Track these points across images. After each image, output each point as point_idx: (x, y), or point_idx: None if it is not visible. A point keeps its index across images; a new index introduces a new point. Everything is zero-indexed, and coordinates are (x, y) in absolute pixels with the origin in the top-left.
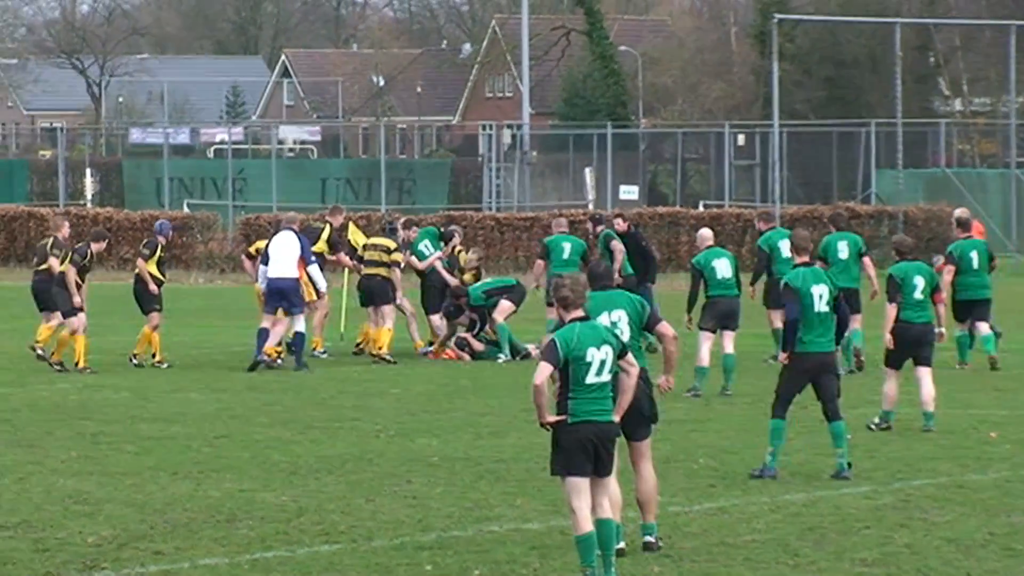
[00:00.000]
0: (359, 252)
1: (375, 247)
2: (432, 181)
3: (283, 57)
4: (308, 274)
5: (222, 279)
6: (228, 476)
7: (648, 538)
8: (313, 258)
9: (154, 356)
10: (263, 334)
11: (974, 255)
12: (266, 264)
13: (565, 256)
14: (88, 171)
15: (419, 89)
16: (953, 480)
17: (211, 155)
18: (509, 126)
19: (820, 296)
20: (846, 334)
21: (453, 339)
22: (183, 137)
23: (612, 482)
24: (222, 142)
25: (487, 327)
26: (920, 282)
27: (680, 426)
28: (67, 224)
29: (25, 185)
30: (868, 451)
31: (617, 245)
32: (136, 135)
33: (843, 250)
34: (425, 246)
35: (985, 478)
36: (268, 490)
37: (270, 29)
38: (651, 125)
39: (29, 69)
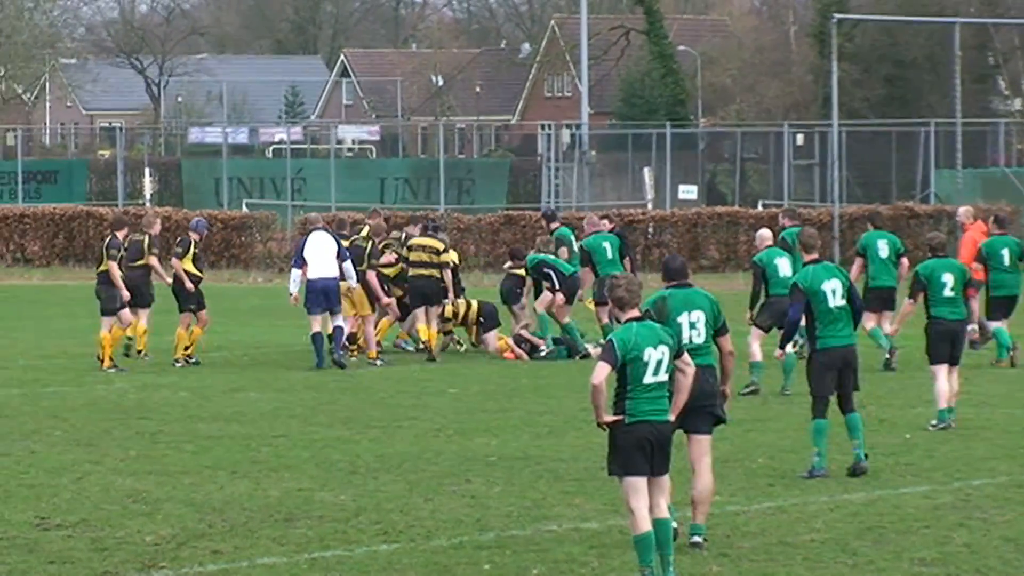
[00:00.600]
0: (404, 253)
1: (422, 248)
2: (491, 181)
3: (342, 57)
4: (341, 269)
5: (280, 279)
6: (287, 475)
7: (696, 538)
8: (347, 253)
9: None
10: (318, 339)
11: (1005, 252)
12: (298, 267)
13: (609, 256)
14: (147, 170)
15: (478, 89)
16: (1012, 480)
17: (270, 155)
18: (568, 126)
19: (833, 291)
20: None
21: (511, 336)
22: (242, 137)
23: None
24: (281, 142)
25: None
26: (949, 279)
27: (739, 426)
28: (159, 221)
29: (84, 185)
30: (927, 451)
31: (564, 251)
32: (195, 135)
33: (883, 248)
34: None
35: None
36: (327, 489)
37: (329, 29)
38: (710, 125)
39: (88, 69)
